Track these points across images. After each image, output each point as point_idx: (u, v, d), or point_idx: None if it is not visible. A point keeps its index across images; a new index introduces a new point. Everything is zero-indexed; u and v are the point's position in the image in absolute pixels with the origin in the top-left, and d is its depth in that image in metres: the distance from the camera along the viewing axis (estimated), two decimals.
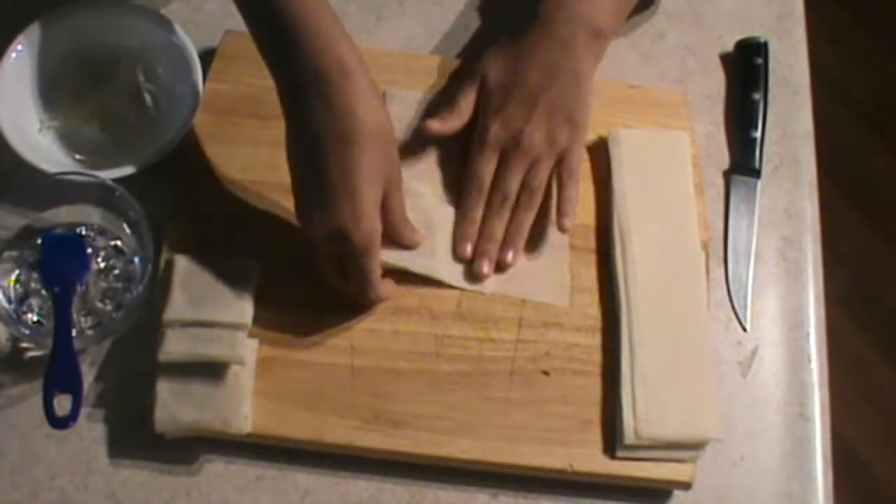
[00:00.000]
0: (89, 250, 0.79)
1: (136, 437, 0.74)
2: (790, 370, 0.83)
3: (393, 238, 0.76)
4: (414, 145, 0.85)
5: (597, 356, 0.78)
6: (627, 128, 0.86)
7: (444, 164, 0.84)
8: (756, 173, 0.89)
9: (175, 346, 0.73)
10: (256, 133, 0.84)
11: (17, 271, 0.78)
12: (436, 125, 0.81)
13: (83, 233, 0.79)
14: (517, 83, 0.81)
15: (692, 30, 0.96)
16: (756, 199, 0.88)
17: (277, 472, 0.75)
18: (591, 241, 0.83)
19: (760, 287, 0.85)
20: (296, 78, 0.69)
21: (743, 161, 0.89)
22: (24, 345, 0.77)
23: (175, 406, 0.72)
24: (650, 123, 0.88)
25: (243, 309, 0.75)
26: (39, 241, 0.78)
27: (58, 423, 0.68)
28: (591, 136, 0.86)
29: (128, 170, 0.80)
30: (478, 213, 0.80)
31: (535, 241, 0.82)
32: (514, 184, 0.80)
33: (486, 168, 0.81)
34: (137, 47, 0.86)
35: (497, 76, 0.82)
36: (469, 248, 0.80)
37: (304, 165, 0.71)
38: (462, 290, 0.80)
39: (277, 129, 0.83)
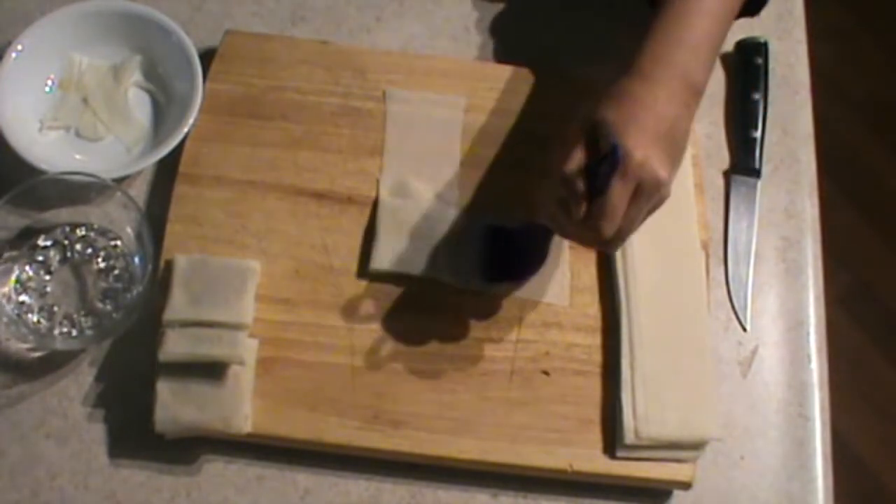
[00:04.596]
0: (89, 250, 0.79)
1: (136, 437, 0.74)
2: (790, 370, 0.83)
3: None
4: (414, 145, 0.85)
5: (597, 356, 0.78)
6: None
7: (445, 164, 0.84)
8: (756, 173, 0.89)
9: (175, 346, 0.73)
10: (256, 133, 0.84)
11: (17, 271, 0.78)
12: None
13: (83, 233, 0.79)
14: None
15: None
16: (756, 199, 0.88)
17: (277, 472, 0.75)
18: None
19: (760, 287, 0.85)
20: None
21: (743, 161, 0.89)
22: (24, 345, 0.77)
23: (175, 406, 0.72)
24: None
25: (243, 309, 0.75)
26: (39, 241, 0.78)
27: None
28: None
29: (128, 169, 0.80)
30: None
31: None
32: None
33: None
34: (137, 47, 0.86)
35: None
36: None
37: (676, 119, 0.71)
38: (462, 290, 0.80)
39: (277, 129, 0.84)
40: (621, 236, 0.69)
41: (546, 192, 0.72)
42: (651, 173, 0.67)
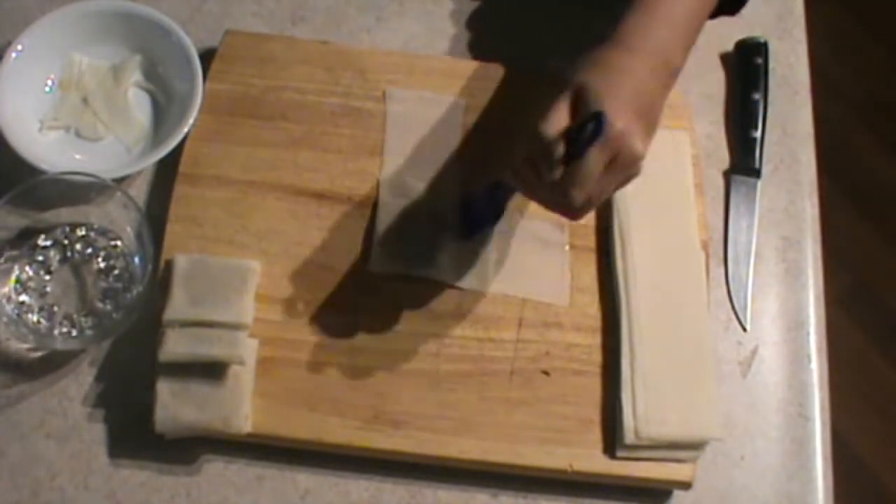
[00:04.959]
0: (89, 250, 0.79)
1: (136, 437, 0.74)
2: (790, 370, 0.83)
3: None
4: (414, 145, 0.85)
5: (597, 356, 0.78)
6: None
7: (445, 165, 0.84)
8: (756, 173, 0.89)
9: (175, 346, 0.73)
10: (256, 133, 0.84)
11: (17, 271, 0.78)
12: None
13: (83, 233, 0.79)
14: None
15: None
16: (756, 199, 0.88)
17: (277, 472, 0.75)
18: (591, 241, 0.83)
19: (760, 287, 0.85)
20: None
21: (743, 161, 0.89)
22: (24, 345, 0.77)
23: (175, 406, 0.72)
24: None
25: (243, 309, 0.75)
26: (39, 241, 0.78)
27: None
28: None
29: (128, 169, 0.80)
30: None
31: (534, 241, 0.82)
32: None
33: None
34: (137, 47, 0.86)
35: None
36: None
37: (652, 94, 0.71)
38: (462, 289, 0.80)
39: (277, 129, 0.84)
40: (589, 206, 0.68)
41: (518, 151, 0.71)
42: (630, 146, 0.66)
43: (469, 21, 0.94)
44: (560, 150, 0.66)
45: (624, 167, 0.67)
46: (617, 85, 0.68)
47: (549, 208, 0.72)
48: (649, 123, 0.70)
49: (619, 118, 0.66)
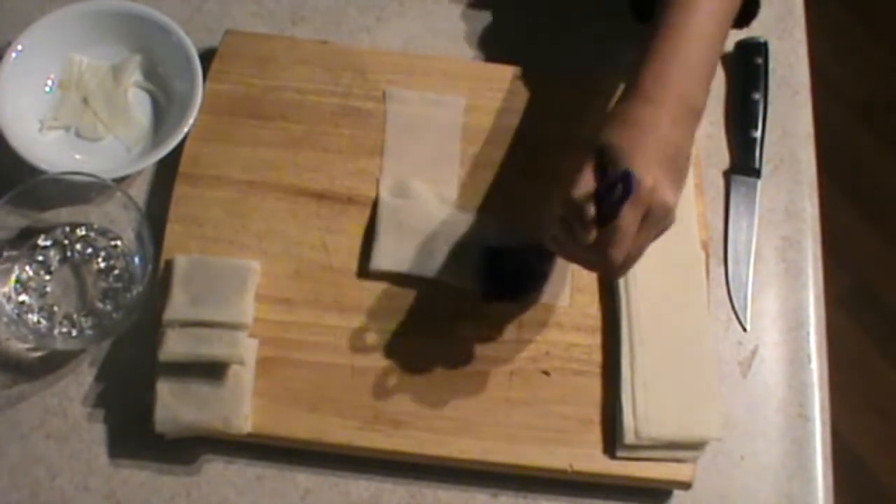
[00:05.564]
0: (89, 250, 0.79)
1: (136, 437, 0.74)
2: (790, 370, 0.83)
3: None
4: (414, 145, 0.85)
5: (597, 356, 0.78)
6: None
7: (445, 164, 0.84)
8: (756, 173, 0.89)
9: (175, 346, 0.73)
10: (256, 133, 0.84)
11: (17, 271, 0.78)
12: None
13: (83, 233, 0.79)
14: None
15: None
16: (756, 199, 0.88)
17: (277, 472, 0.75)
18: None
19: (760, 287, 0.85)
20: None
21: (743, 161, 0.89)
22: (24, 345, 0.77)
23: (175, 406, 0.72)
24: None
25: (243, 309, 0.75)
26: (39, 241, 0.78)
27: None
28: (591, 135, 0.86)
29: (128, 169, 0.80)
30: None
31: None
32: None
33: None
34: (137, 47, 0.86)
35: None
36: None
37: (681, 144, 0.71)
38: (462, 290, 0.79)
39: (277, 129, 0.84)
40: (629, 263, 0.69)
41: (550, 215, 0.71)
42: (660, 200, 0.67)
43: (469, 21, 0.94)
44: (592, 212, 0.66)
45: (658, 220, 0.68)
46: (641, 140, 0.68)
47: (590, 269, 0.72)
48: (679, 171, 0.70)
49: (648, 174, 0.66)
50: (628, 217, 0.66)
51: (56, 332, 0.76)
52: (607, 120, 0.71)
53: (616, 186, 0.65)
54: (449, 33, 0.93)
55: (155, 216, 0.79)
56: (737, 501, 0.78)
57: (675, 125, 0.70)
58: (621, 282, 0.80)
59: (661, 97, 0.71)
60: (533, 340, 0.78)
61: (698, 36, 0.74)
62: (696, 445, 0.75)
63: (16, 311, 0.76)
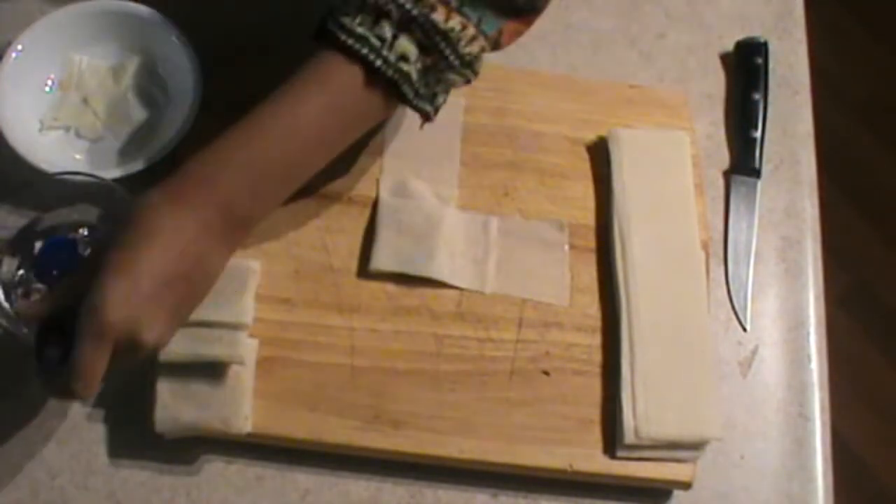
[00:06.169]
0: (89, 251, 0.79)
1: (136, 437, 0.74)
2: (790, 370, 0.83)
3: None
4: (414, 145, 0.85)
5: (597, 356, 0.78)
6: (627, 128, 0.86)
7: (445, 164, 0.84)
8: (756, 173, 0.89)
9: (175, 346, 0.72)
10: None
11: (17, 271, 0.77)
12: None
13: (83, 233, 0.79)
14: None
15: (692, 30, 0.96)
16: (756, 199, 0.88)
17: (277, 472, 0.75)
18: (591, 241, 0.83)
19: (760, 287, 0.85)
20: None
21: (743, 161, 0.89)
22: (24, 345, 0.77)
23: (175, 406, 0.72)
24: (650, 123, 0.88)
25: (243, 309, 0.75)
26: (39, 245, 0.78)
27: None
28: (591, 136, 0.86)
29: (128, 169, 0.80)
30: None
31: (534, 241, 0.82)
32: None
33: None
34: (138, 47, 0.86)
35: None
36: None
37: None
38: (462, 289, 0.80)
39: None
40: (93, 387, 0.60)
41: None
42: (130, 336, 0.59)
43: None
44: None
45: (132, 353, 0.61)
46: (129, 264, 0.59)
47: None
48: (185, 293, 0.62)
49: (117, 308, 0.58)
50: (88, 353, 0.58)
51: None
52: (117, 228, 0.62)
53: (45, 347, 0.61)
54: None
55: None
56: (737, 501, 0.78)
57: (199, 236, 0.61)
58: (621, 282, 0.80)
59: (191, 198, 0.62)
60: (533, 340, 0.78)
61: (269, 133, 0.64)
62: (696, 445, 0.75)
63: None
